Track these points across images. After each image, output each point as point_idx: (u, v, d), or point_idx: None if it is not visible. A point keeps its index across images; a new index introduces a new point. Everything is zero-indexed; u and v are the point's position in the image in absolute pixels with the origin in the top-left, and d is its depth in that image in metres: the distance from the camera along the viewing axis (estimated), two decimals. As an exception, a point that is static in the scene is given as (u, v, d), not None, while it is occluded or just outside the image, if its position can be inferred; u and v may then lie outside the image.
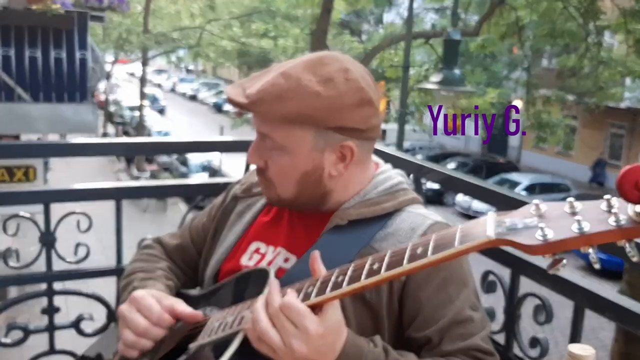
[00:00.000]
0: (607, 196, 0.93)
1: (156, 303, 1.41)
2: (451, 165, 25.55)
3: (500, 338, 1.83)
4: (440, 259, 1.04)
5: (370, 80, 1.45)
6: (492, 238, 0.98)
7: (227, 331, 1.29)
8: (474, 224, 1.05)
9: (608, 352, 7.73)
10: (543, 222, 0.96)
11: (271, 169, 1.48)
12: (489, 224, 1.01)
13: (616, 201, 0.93)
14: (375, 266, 1.12)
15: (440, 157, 27.59)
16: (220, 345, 1.28)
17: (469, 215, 19.70)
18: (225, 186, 1.91)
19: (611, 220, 0.91)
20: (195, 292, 1.72)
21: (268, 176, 1.49)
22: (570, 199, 0.98)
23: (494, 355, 1.38)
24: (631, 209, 0.91)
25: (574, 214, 0.94)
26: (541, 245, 0.93)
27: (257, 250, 1.58)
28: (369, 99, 1.41)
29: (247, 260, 1.57)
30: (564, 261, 0.95)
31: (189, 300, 1.54)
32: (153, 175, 23.79)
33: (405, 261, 1.08)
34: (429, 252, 1.05)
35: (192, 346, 1.35)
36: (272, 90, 1.37)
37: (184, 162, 24.65)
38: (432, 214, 1.51)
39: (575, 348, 1.05)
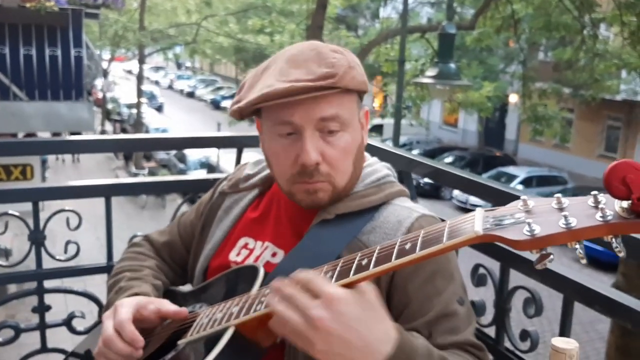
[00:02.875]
0: (594, 192, 0.94)
1: (129, 320, 1.37)
2: (448, 159, 25.57)
3: (491, 331, 1.83)
4: (428, 254, 1.05)
5: None
6: (479, 234, 0.99)
7: (216, 327, 1.28)
8: (462, 219, 1.05)
9: (605, 343, 7.76)
10: (530, 217, 0.97)
11: (330, 159, 1.42)
12: (477, 219, 1.02)
13: (603, 197, 0.93)
14: (364, 262, 1.12)
15: (438, 151, 27.60)
16: (209, 341, 1.27)
17: (466, 208, 19.72)
18: (212, 182, 1.91)
19: (598, 216, 0.91)
20: (184, 289, 1.71)
21: (324, 171, 1.42)
22: (558, 195, 0.98)
23: (484, 350, 1.39)
24: (618, 204, 0.91)
25: (561, 209, 0.95)
26: (528, 240, 0.94)
27: (245, 246, 1.58)
28: None
29: (235, 256, 1.57)
30: (552, 256, 0.96)
31: (178, 298, 1.55)
32: (151, 172, 23.82)
33: (393, 257, 1.08)
34: (418, 248, 1.06)
35: (181, 342, 1.34)
36: (345, 63, 1.39)
37: (182, 159, 24.66)
38: (418, 207, 1.51)
39: (558, 342, 1.05)
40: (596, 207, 0.93)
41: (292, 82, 1.35)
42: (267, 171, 1.63)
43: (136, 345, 1.34)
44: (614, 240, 0.93)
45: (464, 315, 1.39)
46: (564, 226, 0.92)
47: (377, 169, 1.57)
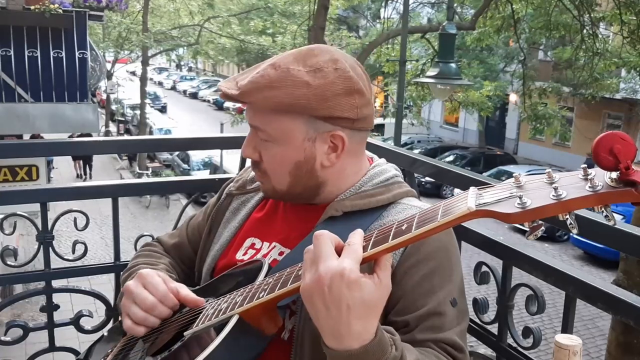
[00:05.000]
0: (583, 165, 0.95)
1: (162, 282, 1.44)
2: (449, 158, 25.56)
3: (494, 328, 1.85)
4: (424, 232, 1.06)
5: (361, 71, 1.46)
6: (472, 209, 1.00)
7: (220, 317, 1.29)
8: (455, 198, 1.06)
9: (606, 340, 7.78)
10: (522, 192, 0.98)
11: (265, 160, 1.49)
12: (470, 197, 1.03)
13: (592, 170, 0.95)
14: (363, 244, 1.14)
15: (439, 150, 27.59)
16: (215, 330, 1.30)
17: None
18: (217, 182, 1.90)
19: (587, 187, 0.93)
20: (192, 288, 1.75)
21: (263, 168, 1.50)
22: (549, 170, 1.00)
23: (464, 352, 1.38)
24: (607, 175, 0.92)
25: (551, 183, 0.97)
26: (519, 213, 0.95)
27: (252, 246, 1.59)
28: (359, 89, 1.41)
29: (242, 255, 1.58)
30: (543, 227, 0.98)
31: None
32: (155, 173, 23.89)
33: (390, 238, 1.10)
34: (413, 228, 1.07)
35: (187, 333, 1.35)
36: (262, 81, 1.37)
37: (186, 160, 24.71)
38: (426, 206, 1.48)
39: (562, 338, 1.06)
40: (586, 179, 0.94)
41: (223, 86, 1.45)
42: None
43: (176, 309, 1.44)
44: (568, 217, 0.95)
45: (453, 316, 1.38)
46: (554, 198, 0.94)
47: (385, 169, 1.58)
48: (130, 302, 1.43)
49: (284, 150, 1.45)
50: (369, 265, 1.13)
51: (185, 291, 1.45)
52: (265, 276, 1.35)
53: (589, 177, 0.94)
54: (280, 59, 1.43)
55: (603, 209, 0.93)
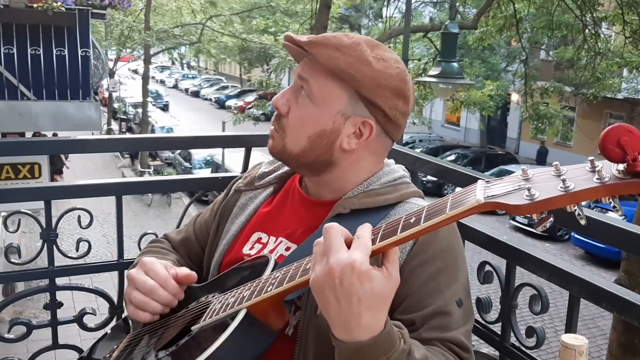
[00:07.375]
0: (590, 158, 0.96)
1: (163, 268, 1.47)
2: (451, 157, 25.54)
3: (498, 328, 1.84)
4: (433, 225, 1.07)
5: (413, 89, 1.53)
6: (481, 202, 1.01)
7: (228, 311, 1.30)
8: (463, 191, 1.07)
9: (607, 340, 7.79)
10: (530, 184, 0.99)
11: (291, 117, 1.50)
12: (479, 189, 1.04)
13: (599, 162, 0.96)
14: (372, 237, 1.15)
15: (440, 150, 27.57)
16: (222, 325, 1.29)
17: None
18: (220, 180, 1.90)
19: (595, 179, 0.94)
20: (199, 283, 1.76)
21: (283, 124, 1.52)
22: (556, 162, 1.01)
23: (470, 352, 1.38)
24: (614, 167, 0.93)
25: (559, 175, 0.98)
26: (528, 205, 0.96)
27: (258, 240, 1.60)
28: (407, 96, 1.48)
29: (249, 250, 1.59)
30: (551, 219, 0.99)
31: (193, 291, 1.58)
32: (157, 171, 23.90)
33: (399, 231, 1.11)
34: (422, 220, 1.08)
35: (195, 328, 1.36)
36: (333, 40, 1.44)
37: (187, 158, 24.74)
38: None
39: (568, 338, 1.05)
40: (593, 171, 0.95)
41: (294, 35, 1.49)
42: (283, 169, 1.70)
43: (179, 296, 1.46)
44: (577, 208, 0.96)
45: (459, 316, 1.40)
46: (562, 189, 0.95)
47: (394, 169, 1.61)
48: (132, 288, 1.47)
49: (317, 112, 1.47)
50: (376, 259, 1.14)
51: (182, 271, 1.49)
52: (272, 271, 1.36)
53: (597, 169, 0.95)
54: (355, 35, 1.50)
55: (611, 200, 0.94)
